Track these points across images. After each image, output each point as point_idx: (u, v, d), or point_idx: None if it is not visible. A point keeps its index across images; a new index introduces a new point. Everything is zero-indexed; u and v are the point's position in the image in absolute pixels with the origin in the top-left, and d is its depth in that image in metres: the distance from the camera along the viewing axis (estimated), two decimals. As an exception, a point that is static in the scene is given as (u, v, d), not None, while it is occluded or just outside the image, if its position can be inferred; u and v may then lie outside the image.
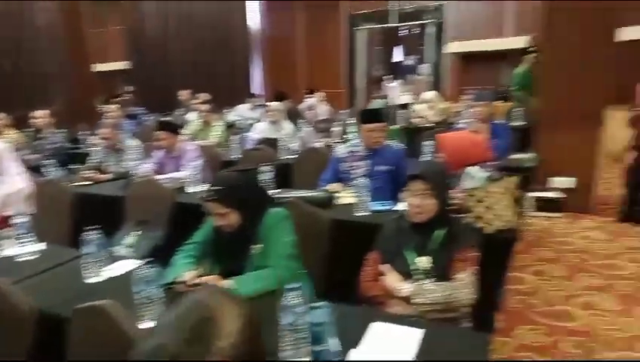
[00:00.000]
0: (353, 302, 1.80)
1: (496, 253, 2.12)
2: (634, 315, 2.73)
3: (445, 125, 5.03)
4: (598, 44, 4.16)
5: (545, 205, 4.41)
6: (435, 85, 9.51)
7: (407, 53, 12.53)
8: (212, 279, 1.55)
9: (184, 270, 1.65)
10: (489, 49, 8.69)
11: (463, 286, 1.58)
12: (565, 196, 4.35)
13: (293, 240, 1.73)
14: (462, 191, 2.14)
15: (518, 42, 8.02)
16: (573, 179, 4.36)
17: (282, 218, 1.72)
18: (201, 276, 1.60)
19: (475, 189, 2.07)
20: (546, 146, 4.39)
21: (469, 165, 2.33)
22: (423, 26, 10.27)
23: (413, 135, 4.63)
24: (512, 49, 8.16)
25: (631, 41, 6.35)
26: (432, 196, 1.66)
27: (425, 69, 10.38)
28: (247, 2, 10.54)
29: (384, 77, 10.97)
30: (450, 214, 1.77)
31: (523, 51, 6.06)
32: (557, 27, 4.26)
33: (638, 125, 3.97)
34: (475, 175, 2.11)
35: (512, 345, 2.50)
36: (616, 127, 4.58)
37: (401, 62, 13.03)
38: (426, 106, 6.09)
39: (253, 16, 11.08)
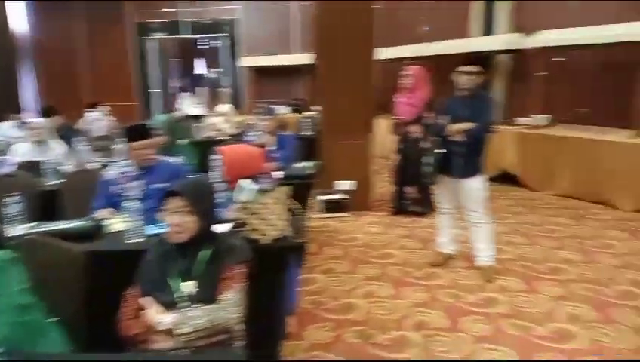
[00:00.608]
0: (116, 346, 1.59)
1: (275, 262, 2.15)
2: (402, 297, 3.12)
3: (241, 138, 5.06)
4: (363, 62, 4.72)
5: (333, 207, 4.80)
6: (234, 98, 9.63)
7: (209, 66, 12.43)
8: None
9: None
10: (280, 64, 9.19)
11: (230, 305, 1.53)
12: (348, 197, 4.81)
13: (25, 287, 1.43)
14: (236, 205, 2.12)
15: (305, 59, 8.70)
16: (354, 181, 4.84)
17: (5, 263, 1.40)
18: None
19: (248, 202, 2.07)
20: (330, 153, 4.79)
21: (246, 177, 2.33)
22: (219, 39, 10.30)
23: (207, 149, 4.52)
24: (300, 65, 8.80)
25: (390, 59, 7.46)
26: (191, 213, 1.57)
27: (225, 81, 10.46)
28: (6, 2, 8.94)
29: (181, 89, 10.64)
30: (215, 232, 1.71)
31: (311, 67, 6.48)
32: (326, 47, 4.68)
33: (398, 131, 4.63)
34: (247, 187, 2.11)
35: (303, 346, 2.59)
36: (383, 133, 5.27)
37: (203, 74, 12.87)
38: (222, 119, 6.07)
39: (19, 20, 9.48)
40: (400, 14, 8.27)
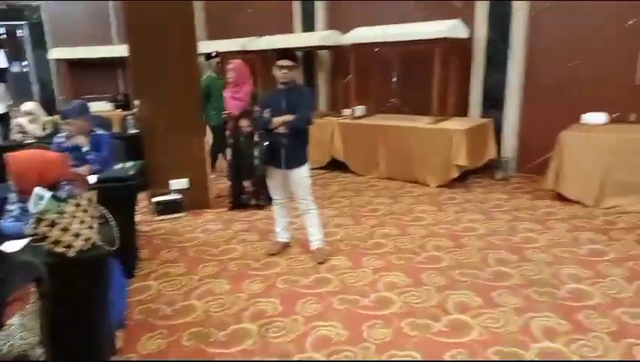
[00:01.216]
0: None
1: (85, 276, 1.96)
2: (241, 290, 3.13)
3: (50, 140, 4.46)
4: (186, 56, 4.54)
5: (168, 208, 4.57)
6: (43, 94, 8.48)
7: (13, 59, 10.67)
8: None
9: None
10: (100, 56, 8.35)
11: (18, 330, 1.34)
12: (183, 196, 4.63)
13: None
14: (32, 217, 1.86)
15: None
16: (187, 179, 4.67)
17: None
18: None
19: (45, 212, 1.83)
20: (161, 151, 4.53)
21: (43, 186, 2.05)
22: (22, 27, 8.91)
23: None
24: (124, 56, 8.11)
25: (225, 52, 7.36)
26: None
27: (31, 76, 9.11)
28: None
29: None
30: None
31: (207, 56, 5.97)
32: (142, 39, 4.37)
33: (229, 126, 4.60)
34: (41, 196, 1.86)
35: (133, 360, 2.42)
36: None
37: (3, 68, 11.01)
38: (27, 119, 5.27)
39: None
40: (228, 8, 8.22)
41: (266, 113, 3.29)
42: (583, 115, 4.86)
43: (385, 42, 5.77)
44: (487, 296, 2.94)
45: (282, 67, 3.18)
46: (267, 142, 3.28)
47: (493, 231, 4.00)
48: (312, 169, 6.15)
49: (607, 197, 4.38)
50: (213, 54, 5.87)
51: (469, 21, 5.64)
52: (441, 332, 2.58)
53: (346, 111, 6.35)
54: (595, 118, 4.80)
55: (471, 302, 2.87)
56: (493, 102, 5.73)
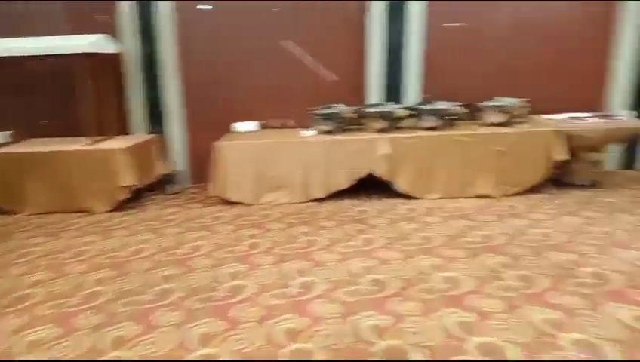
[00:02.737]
0: None
1: None
2: None
3: None
4: None
5: None
6: None
7: None
8: None
9: None
10: None
11: None
12: None
13: None
14: None
15: None
16: None
17: None
18: None
19: None
20: None
21: None
22: None
23: None
24: None
25: None
26: None
27: None
28: None
29: None
30: None
31: None
32: None
33: None
34: None
35: None
36: None
37: None
38: None
39: None
40: None
41: None
42: (233, 125, 5.32)
43: (14, 57, 4.87)
44: (146, 320, 2.76)
45: None
46: None
47: (163, 248, 3.88)
48: None
49: (263, 194, 4.92)
50: None
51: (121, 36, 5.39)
52: (88, 380, 2.25)
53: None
54: (245, 126, 5.33)
55: (128, 334, 2.63)
56: (157, 117, 5.67)
